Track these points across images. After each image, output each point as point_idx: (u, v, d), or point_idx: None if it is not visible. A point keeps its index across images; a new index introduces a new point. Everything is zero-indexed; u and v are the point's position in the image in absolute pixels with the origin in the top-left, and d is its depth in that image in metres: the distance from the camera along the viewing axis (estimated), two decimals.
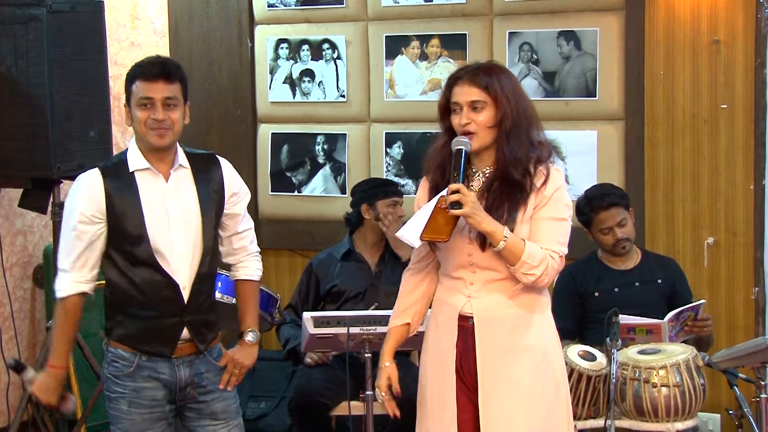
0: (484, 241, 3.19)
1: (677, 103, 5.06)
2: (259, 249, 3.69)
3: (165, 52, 5.81)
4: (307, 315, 4.06)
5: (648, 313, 4.26)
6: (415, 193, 5.43)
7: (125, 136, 5.36)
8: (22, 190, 4.73)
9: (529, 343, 3.24)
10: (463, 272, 3.27)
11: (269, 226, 5.72)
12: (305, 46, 5.71)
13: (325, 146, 5.71)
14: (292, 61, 5.74)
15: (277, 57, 5.77)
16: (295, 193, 5.79)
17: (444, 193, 3.16)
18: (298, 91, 5.74)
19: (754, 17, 4.88)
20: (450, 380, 3.29)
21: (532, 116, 3.26)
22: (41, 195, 4.67)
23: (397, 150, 5.57)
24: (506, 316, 3.24)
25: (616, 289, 4.49)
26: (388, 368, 3.40)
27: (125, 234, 3.40)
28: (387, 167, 5.58)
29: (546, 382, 3.25)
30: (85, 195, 3.41)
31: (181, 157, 3.49)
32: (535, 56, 5.25)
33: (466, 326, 3.27)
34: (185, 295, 3.44)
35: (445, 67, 5.44)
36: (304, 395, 4.52)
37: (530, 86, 5.17)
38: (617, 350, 3.80)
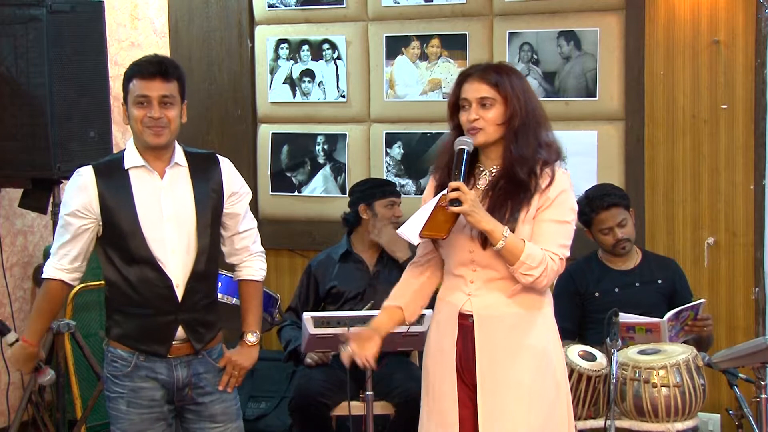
0: (485, 239, 3.20)
1: (677, 103, 5.06)
2: (263, 249, 3.68)
3: (165, 52, 5.81)
4: (307, 315, 4.06)
5: (648, 314, 4.26)
6: (415, 194, 5.52)
7: (125, 136, 5.36)
8: (22, 190, 4.73)
9: (528, 343, 3.24)
10: (463, 270, 3.28)
11: (269, 227, 5.72)
12: (305, 47, 5.71)
13: (325, 146, 5.71)
14: (292, 62, 5.74)
15: (277, 57, 5.77)
16: (296, 193, 5.79)
17: (446, 191, 3.17)
18: (298, 92, 5.74)
19: (754, 17, 4.88)
20: (450, 378, 3.30)
21: (540, 117, 3.27)
22: (41, 195, 4.67)
23: (397, 150, 5.57)
24: (506, 314, 3.24)
25: (617, 290, 4.49)
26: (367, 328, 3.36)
27: (119, 231, 3.41)
28: (387, 167, 5.58)
29: (546, 381, 3.25)
30: (75, 190, 3.45)
31: (179, 156, 3.49)
32: (535, 56, 5.25)
33: (466, 325, 3.27)
34: (179, 293, 3.44)
35: (445, 68, 5.44)
36: (304, 395, 4.52)
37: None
38: (617, 350, 3.80)
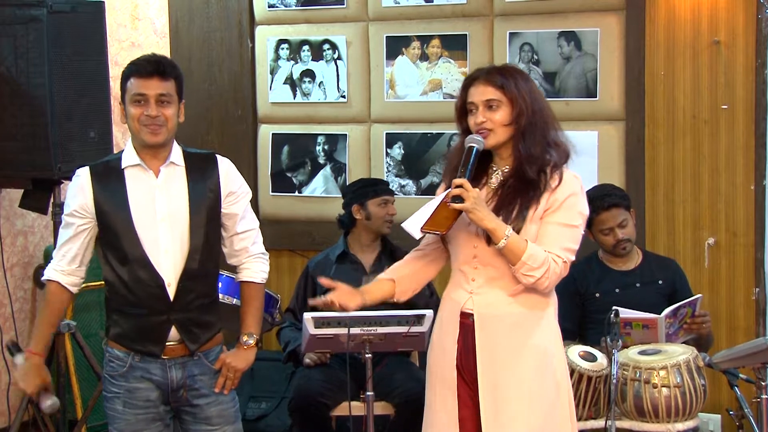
0: (489, 236, 3.21)
1: (678, 103, 5.06)
2: (264, 251, 3.66)
3: (165, 52, 5.81)
4: (307, 315, 4.06)
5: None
6: (415, 194, 5.51)
7: (126, 136, 5.36)
8: (22, 190, 4.73)
9: (529, 343, 3.25)
10: (467, 267, 3.29)
11: (270, 227, 5.70)
12: (306, 47, 5.71)
13: (326, 147, 5.71)
14: (292, 62, 5.74)
15: (277, 57, 5.77)
16: (296, 193, 5.79)
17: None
18: (298, 92, 5.74)
19: (755, 18, 4.88)
20: (451, 376, 3.31)
21: (548, 116, 3.29)
22: (42, 195, 4.67)
23: (397, 150, 5.57)
24: (506, 314, 3.25)
25: (617, 290, 4.48)
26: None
27: (113, 230, 3.42)
28: (387, 168, 5.58)
29: (546, 382, 3.26)
30: (74, 191, 3.47)
31: (176, 155, 3.49)
32: (535, 57, 5.25)
33: (467, 323, 3.28)
34: (171, 292, 3.43)
35: (445, 68, 5.44)
36: (304, 396, 4.52)
37: None
38: (618, 351, 3.80)
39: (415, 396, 4.47)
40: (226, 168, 3.56)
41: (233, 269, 3.73)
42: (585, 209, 3.29)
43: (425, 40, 5.47)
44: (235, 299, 4.03)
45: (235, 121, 5.85)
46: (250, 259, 3.63)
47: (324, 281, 3.42)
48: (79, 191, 3.45)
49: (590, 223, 4.49)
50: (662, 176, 5.11)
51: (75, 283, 3.52)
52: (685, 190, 5.08)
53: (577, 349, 4.05)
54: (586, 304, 4.50)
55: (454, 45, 5.42)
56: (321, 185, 5.73)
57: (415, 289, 3.47)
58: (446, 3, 5.42)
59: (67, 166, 4.40)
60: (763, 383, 3.88)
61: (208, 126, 5.88)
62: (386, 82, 5.56)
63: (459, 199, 3.14)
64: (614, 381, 3.75)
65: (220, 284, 3.98)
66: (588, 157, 5.13)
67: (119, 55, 5.54)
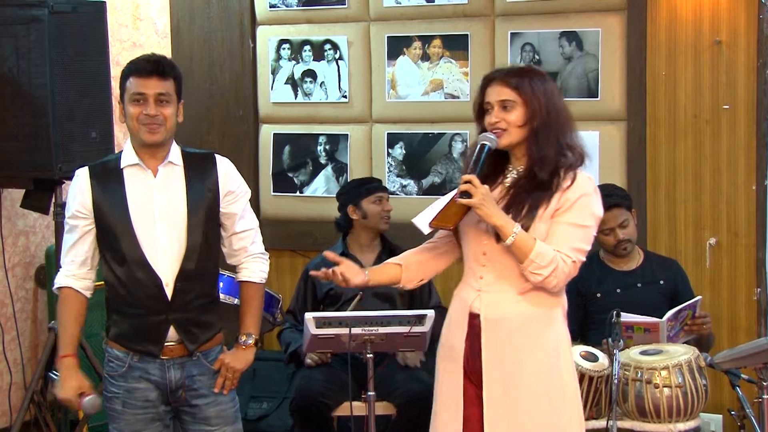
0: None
1: (679, 103, 5.06)
2: (264, 251, 3.66)
3: (167, 52, 5.81)
4: (309, 315, 4.06)
5: (650, 314, 4.25)
6: (417, 194, 5.51)
7: (127, 136, 5.35)
8: (24, 190, 4.73)
9: (536, 343, 3.25)
10: (476, 264, 3.31)
11: (271, 227, 5.71)
12: (307, 47, 5.71)
13: (327, 147, 5.71)
14: (293, 62, 5.74)
15: (278, 57, 5.77)
16: (297, 193, 5.79)
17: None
18: (299, 92, 5.74)
19: (756, 18, 4.88)
20: (458, 376, 3.31)
21: (564, 118, 3.29)
22: (43, 195, 4.67)
23: (399, 150, 5.57)
24: (514, 313, 3.25)
25: (618, 290, 4.48)
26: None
27: (112, 230, 3.42)
28: (389, 168, 5.58)
29: (552, 382, 3.26)
30: (73, 192, 3.47)
31: (174, 155, 3.49)
32: (536, 57, 5.24)
33: (474, 324, 3.29)
34: (168, 292, 3.43)
35: (447, 68, 5.44)
36: (305, 396, 4.52)
37: None
38: (619, 351, 3.80)
39: (417, 396, 4.47)
40: (224, 167, 3.56)
41: (233, 269, 3.73)
42: (598, 210, 3.29)
43: (426, 40, 5.47)
44: (236, 299, 4.03)
45: (237, 121, 5.85)
46: (249, 258, 3.62)
47: (329, 254, 3.43)
48: (78, 192, 3.46)
49: None
50: (664, 176, 5.11)
51: (88, 287, 3.51)
52: (687, 190, 5.07)
53: (578, 350, 4.05)
54: (588, 305, 4.50)
55: (456, 45, 5.41)
56: (322, 185, 5.73)
57: (421, 279, 3.48)
58: (447, 3, 5.41)
59: (68, 167, 4.40)
60: (764, 383, 3.88)
61: (209, 126, 5.88)
62: (387, 82, 5.56)
63: (467, 194, 3.16)
64: (615, 381, 3.75)
65: (221, 284, 3.99)
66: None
67: (120, 55, 5.54)
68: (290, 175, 5.79)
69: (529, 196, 3.23)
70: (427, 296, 4.77)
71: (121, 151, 3.53)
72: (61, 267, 3.50)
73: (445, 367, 3.38)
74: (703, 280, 5.02)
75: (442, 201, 3.30)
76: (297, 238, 5.76)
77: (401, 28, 5.52)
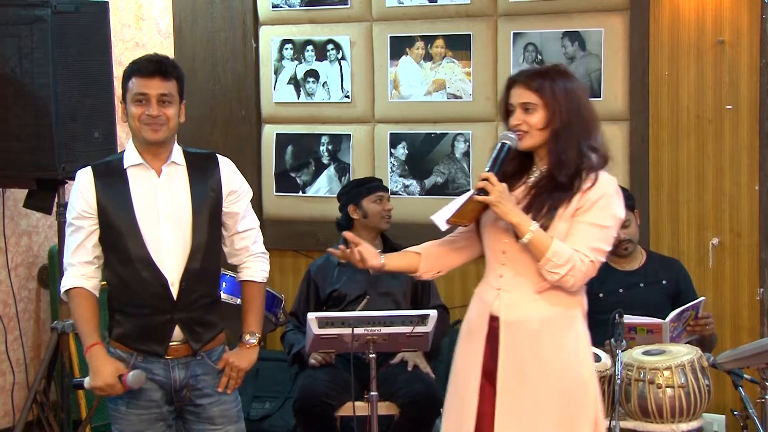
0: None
1: (682, 103, 5.06)
2: (265, 250, 3.67)
3: (169, 52, 5.81)
4: (311, 316, 4.06)
5: (653, 314, 4.25)
6: (419, 194, 5.51)
7: (129, 136, 5.36)
8: (26, 190, 4.73)
9: (556, 343, 3.25)
10: (496, 262, 3.31)
11: (273, 227, 5.72)
12: (309, 47, 5.71)
13: (330, 147, 5.71)
14: (296, 62, 5.74)
15: (281, 57, 5.77)
16: (300, 193, 5.79)
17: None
18: (302, 92, 5.74)
19: (759, 18, 4.88)
20: (475, 375, 3.30)
21: (587, 121, 3.28)
22: (46, 195, 4.67)
23: (401, 150, 5.57)
24: (532, 314, 3.25)
25: (621, 290, 4.48)
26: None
27: (117, 230, 3.42)
28: (391, 168, 5.58)
29: (572, 383, 3.25)
30: (76, 192, 3.47)
31: (177, 155, 3.50)
32: (539, 57, 5.24)
33: (494, 327, 3.29)
34: (174, 291, 3.43)
35: (449, 68, 5.44)
36: (308, 396, 4.52)
37: None
38: (622, 351, 3.80)
39: (420, 396, 4.47)
40: (227, 167, 3.57)
41: (233, 269, 3.73)
42: (619, 211, 3.28)
43: (429, 40, 5.47)
44: (238, 299, 4.04)
45: (239, 121, 5.85)
46: (251, 258, 3.63)
47: (348, 235, 3.42)
48: (82, 192, 3.45)
49: None
50: (666, 176, 5.10)
51: (96, 286, 3.50)
52: (690, 191, 5.07)
53: None
54: (590, 304, 4.47)
55: (458, 45, 5.41)
56: (325, 185, 5.73)
57: (439, 270, 3.47)
58: (450, 3, 5.41)
59: (71, 167, 4.40)
60: (767, 383, 3.88)
61: (212, 126, 5.88)
62: (390, 82, 5.56)
63: (484, 192, 3.17)
64: (618, 381, 3.75)
65: (223, 284, 3.99)
66: None
67: (123, 56, 5.54)
68: (293, 175, 5.80)
69: (550, 196, 3.23)
70: (428, 297, 4.77)
71: (123, 151, 3.53)
72: (65, 269, 3.48)
73: (463, 363, 3.38)
74: (706, 281, 5.01)
75: (460, 199, 3.32)
76: (299, 238, 5.76)
77: (404, 28, 5.52)
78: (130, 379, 3.38)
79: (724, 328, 4.93)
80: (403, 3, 5.50)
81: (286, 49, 5.75)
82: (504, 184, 3.20)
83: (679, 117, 5.07)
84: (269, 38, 5.79)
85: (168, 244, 3.43)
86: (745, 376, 4.11)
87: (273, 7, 5.75)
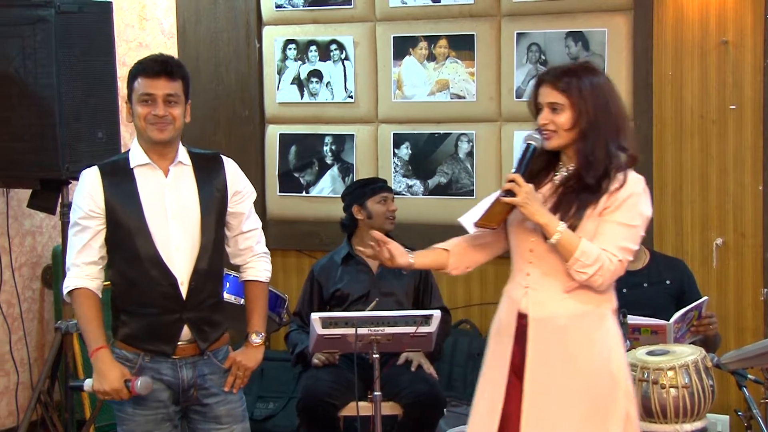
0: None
1: (685, 103, 5.06)
2: (267, 250, 3.68)
3: (173, 52, 5.82)
4: (315, 316, 4.06)
5: (656, 314, 4.25)
6: (422, 194, 5.51)
7: (133, 136, 5.36)
8: (30, 190, 4.74)
9: (587, 341, 3.24)
10: (523, 261, 3.31)
11: (277, 227, 5.72)
12: (313, 47, 5.71)
13: (333, 147, 5.71)
14: (299, 62, 5.74)
15: (284, 58, 5.77)
16: (303, 193, 5.80)
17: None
18: (305, 92, 5.74)
19: (763, 18, 4.88)
20: (502, 372, 3.30)
21: (615, 118, 3.26)
22: (50, 195, 4.68)
23: (404, 150, 5.57)
24: (560, 312, 3.24)
25: (625, 290, 4.45)
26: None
27: (125, 229, 3.41)
28: (395, 168, 5.58)
29: (602, 382, 3.24)
30: (83, 191, 3.45)
31: (183, 155, 3.50)
32: (543, 57, 5.24)
33: (522, 325, 3.29)
34: (183, 291, 3.43)
35: (452, 68, 5.44)
36: (312, 396, 4.52)
37: None
38: (626, 351, 3.79)
39: (423, 397, 4.47)
40: (231, 168, 3.58)
41: (235, 269, 3.74)
42: (646, 210, 3.27)
43: (432, 40, 5.47)
44: (242, 299, 4.04)
45: (243, 122, 5.85)
46: (255, 258, 3.64)
47: (376, 234, 3.42)
48: (90, 192, 3.44)
49: None
50: (670, 177, 5.10)
51: (100, 286, 3.49)
52: (693, 191, 5.07)
53: None
54: None
55: (462, 45, 5.41)
56: (328, 185, 5.73)
57: (467, 266, 3.46)
58: (453, 3, 5.41)
59: (74, 167, 4.41)
60: None
61: (215, 126, 5.89)
62: (393, 83, 5.56)
63: (511, 193, 3.16)
64: None
65: (227, 284, 3.99)
66: None
67: (127, 56, 5.55)
68: (296, 175, 5.80)
69: (578, 197, 3.22)
70: (429, 298, 4.77)
71: (128, 151, 3.53)
72: (68, 269, 3.47)
73: (492, 360, 3.37)
74: (709, 281, 5.01)
75: (487, 200, 3.30)
76: (303, 238, 5.77)
77: (407, 28, 5.52)
78: (138, 386, 3.37)
79: (728, 328, 4.93)
80: (406, 3, 5.50)
81: (290, 49, 5.76)
82: (530, 185, 3.19)
83: (683, 117, 5.07)
84: (272, 38, 5.79)
85: (177, 243, 3.43)
86: (749, 376, 4.11)
87: (276, 7, 5.75)
